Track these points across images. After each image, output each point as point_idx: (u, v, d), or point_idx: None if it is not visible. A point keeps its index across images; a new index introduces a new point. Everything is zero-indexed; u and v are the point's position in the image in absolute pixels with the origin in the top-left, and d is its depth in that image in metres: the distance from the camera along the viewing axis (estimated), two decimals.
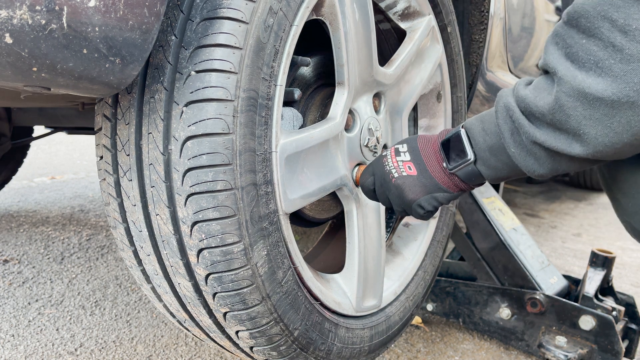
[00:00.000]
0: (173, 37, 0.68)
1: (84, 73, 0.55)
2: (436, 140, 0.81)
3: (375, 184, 0.88)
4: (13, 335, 1.27)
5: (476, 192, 1.53)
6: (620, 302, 1.45)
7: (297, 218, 1.01)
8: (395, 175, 0.82)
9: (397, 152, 0.83)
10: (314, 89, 1.00)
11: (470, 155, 0.74)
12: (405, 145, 0.83)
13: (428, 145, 0.81)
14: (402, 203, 0.83)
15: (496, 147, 0.71)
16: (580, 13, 0.58)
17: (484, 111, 0.76)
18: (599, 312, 1.27)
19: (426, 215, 0.83)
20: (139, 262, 0.81)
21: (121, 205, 0.77)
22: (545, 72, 0.65)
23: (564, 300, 1.32)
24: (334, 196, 1.02)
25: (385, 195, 0.87)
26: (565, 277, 1.54)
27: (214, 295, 0.75)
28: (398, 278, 1.16)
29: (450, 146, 0.77)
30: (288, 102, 0.90)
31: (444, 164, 0.78)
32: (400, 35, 1.16)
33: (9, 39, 0.48)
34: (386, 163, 0.84)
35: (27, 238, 2.02)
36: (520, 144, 0.67)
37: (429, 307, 1.54)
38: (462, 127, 0.77)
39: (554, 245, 2.62)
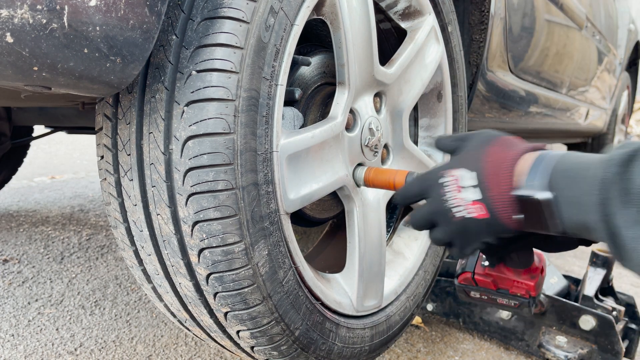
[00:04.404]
0: (174, 37, 0.67)
1: (85, 72, 0.55)
2: (510, 181, 0.65)
3: (427, 208, 0.72)
4: (13, 335, 1.27)
5: None
6: (620, 302, 1.45)
7: (298, 218, 1.01)
8: (458, 215, 0.67)
9: (463, 184, 0.67)
10: (315, 88, 1.00)
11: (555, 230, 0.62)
12: (474, 175, 0.66)
13: (500, 184, 0.65)
14: (464, 241, 0.70)
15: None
16: None
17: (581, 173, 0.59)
18: (599, 312, 1.27)
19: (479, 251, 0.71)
20: (140, 261, 0.81)
21: (122, 205, 0.77)
22: None
23: (564, 300, 1.32)
24: (334, 196, 1.01)
25: (436, 223, 0.72)
26: (566, 277, 1.54)
27: (215, 295, 0.75)
28: (399, 278, 1.15)
29: (528, 211, 0.63)
30: (289, 101, 0.90)
31: (515, 217, 0.64)
32: (401, 34, 1.16)
33: (9, 39, 0.48)
34: (445, 195, 0.68)
35: (27, 238, 2.02)
36: None
37: (429, 307, 1.54)
38: (550, 192, 0.61)
39: None
